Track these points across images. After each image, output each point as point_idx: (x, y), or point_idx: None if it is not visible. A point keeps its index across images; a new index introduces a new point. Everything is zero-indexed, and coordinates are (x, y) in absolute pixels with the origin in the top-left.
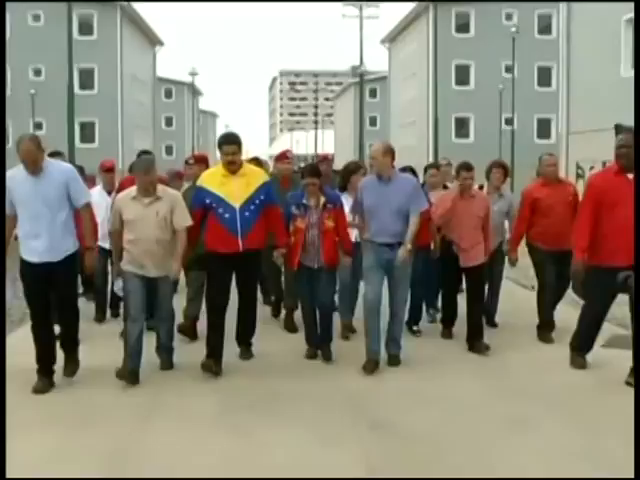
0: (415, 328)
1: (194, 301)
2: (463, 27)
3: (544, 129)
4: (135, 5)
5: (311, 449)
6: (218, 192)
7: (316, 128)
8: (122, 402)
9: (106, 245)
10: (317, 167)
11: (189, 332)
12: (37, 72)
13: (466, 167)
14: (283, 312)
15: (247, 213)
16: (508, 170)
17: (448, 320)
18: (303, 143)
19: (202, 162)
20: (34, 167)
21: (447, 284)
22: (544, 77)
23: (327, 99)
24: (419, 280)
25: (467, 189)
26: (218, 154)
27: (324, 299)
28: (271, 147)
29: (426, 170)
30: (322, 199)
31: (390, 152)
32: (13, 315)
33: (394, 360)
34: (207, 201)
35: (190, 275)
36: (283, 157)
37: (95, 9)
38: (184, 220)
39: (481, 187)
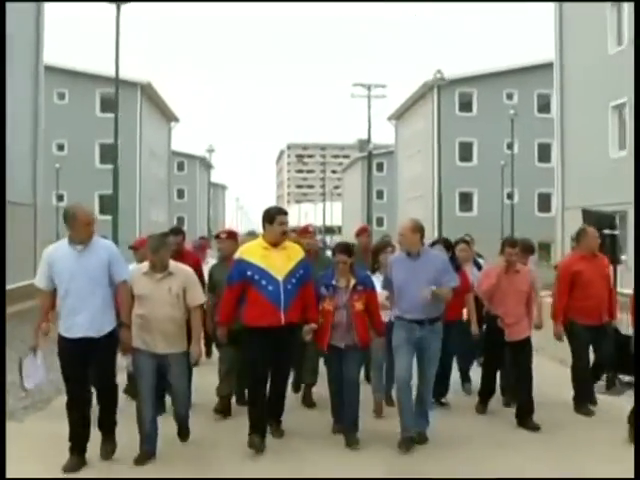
0: (443, 400)
1: (227, 378)
2: (466, 106)
3: (545, 203)
4: (154, 84)
5: None
6: (261, 264)
7: (324, 200)
8: None
9: None
10: (349, 245)
11: (225, 410)
12: (60, 147)
13: (511, 243)
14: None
15: (289, 286)
16: (530, 250)
17: (486, 394)
18: (311, 215)
19: (233, 238)
20: (88, 240)
21: (490, 358)
22: (544, 153)
23: (334, 171)
24: (450, 353)
25: (512, 265)
26: (226, 226)
27: (350, 374)
28: None
29: (456, 244)
30: (352, 280)
31: (419, 229)
32: (42, 394)
33: (421, 437)
34: (248, 273)
35: (223, 351)
36: (305, 231)
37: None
38: (198, 298)
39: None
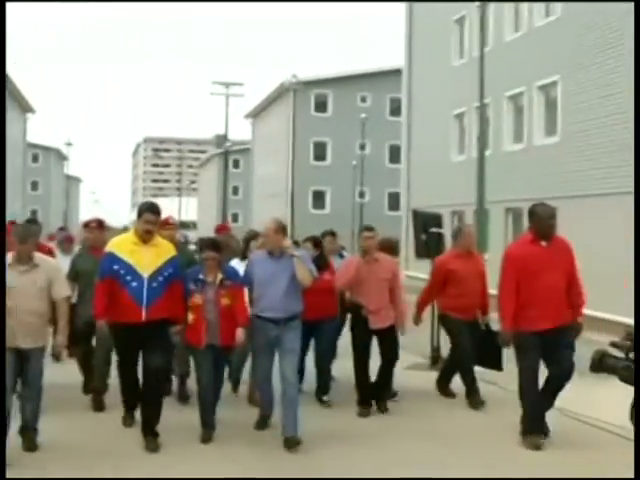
0: (325, 399)
1: (102, 374)
2: (321, 107)
3: (395, 202)
4: (11, 74)
5: None
6: (128, 259)
7: (180, 195)
8: None
9: None
10: (217, 241)
11: (98, 406)
12: None
13: (367, 227)
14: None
15: (155, 284)
16: (395, 250)
17: (365, 390)
18: (166, 210)
19: (102, 227)
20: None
21: (358, 351)
22: (395, 155)
23: (190, 166)
24: (328, 350)
25: (370, 251)
26: (79, 219)
27: (220, 376)
28: (133, 213)
29: (323, 237)
30: (219, 275)
31: (282, 229)
32: None
33: (293, 442)
34: (115, 267)
35: (95, 345)
36: (166, 223)
37: None
38: (64, 290)
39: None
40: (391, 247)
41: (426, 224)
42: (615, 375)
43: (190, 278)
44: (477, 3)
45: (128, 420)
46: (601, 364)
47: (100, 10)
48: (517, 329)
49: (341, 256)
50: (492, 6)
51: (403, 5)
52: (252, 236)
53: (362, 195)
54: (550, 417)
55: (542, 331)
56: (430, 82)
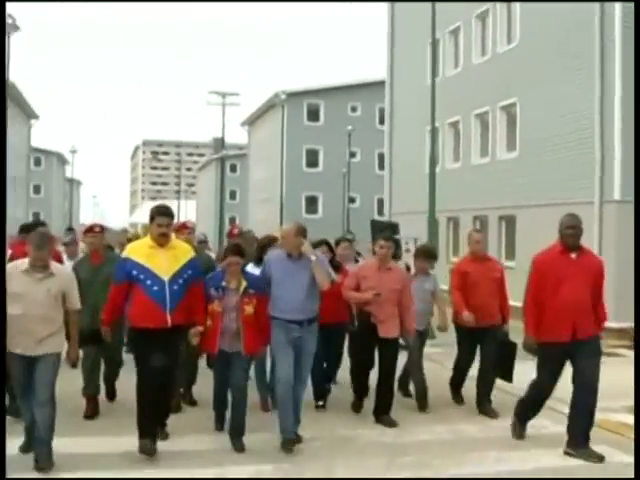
0: (320, 403)
1: (92, 377)
2: (314, 116)
3: (383, 208)
4: (16, 82)
5: None
6: (146, 264)
7: (178, 198)
8: None
9: None
10: (240, 246)
11: (95, 413)
12: None
13: (386, 237)
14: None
15: (175, 287)
16: (433, 258)
17: (361, 392)
18: None
19: (103, 232)
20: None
21: (361, 356)
22: (383, 162)
23: (189, 169)
24: (336, 355)
25: (383, 258)
26: (81, 221)
27: (237, 380)
28: (132, 215)
29: (337, 243)
30: (243, 282)
31: (302, 233)
32: None
33: (296, 439)
34: (134, 273)
35: (85, 350)
36: (183, 227)
37: None
38: (76, 303)
39: (408, 268)
40: (428, 253)
41: (382, 231)
42: None
43: (211, 284)
44: (449, 28)
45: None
46: None
47: (101, 14)
48: (539, 339)
49: (357, 262)
50: (462, 32)
51: (386, 23)
52: (269, 242)
53: (352, 200)
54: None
55: (564, 342)
56: (408, 97)
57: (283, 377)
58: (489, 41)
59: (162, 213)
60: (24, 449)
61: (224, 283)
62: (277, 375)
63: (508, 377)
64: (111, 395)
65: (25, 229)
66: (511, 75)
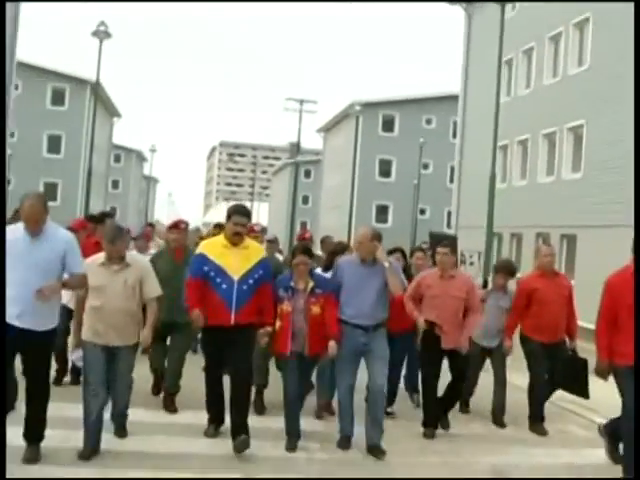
0: (389, 410)
1: (158, 370)
2: (389, 127)
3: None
4: (102, 81)
5: None
6: (218, 262)
7: (252, 200)
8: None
9: (70, 305)
10: (309, 246)
11: (170, 406)
12: (11, 134)
13: (443, 244)
14: None
15: (245, 287)
16: (512, 273)
17: (430, 407)
18: None
19: (187, 229)
20: (34, 228)
21: (428, 369)
22: None
23: (264, 172)
24: (397, 363)
25: (443, 266)
26: (155, 217)
27: (306, 384)
28: (206, 215)
29: (412, 253)
30: (310, 283)
31: (377, 238)
32: None
33: (377, 451)
34: (205, 269)
35: (153, 348)
36: (251, 231)
37: (68, 83)
38: (155, 290)
39: (485, 285)
40: (508, 268)
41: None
42: None
43: (280, 285)
44: (523, 48)
45: (210, 431)
46: None
47: (185, 18)
48: (612, 362)
49: None
50: (535, 53)
51: (462, 38)
52: (341, 249)
53: (422, 212)
54: None
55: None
56: (480, 113)
57: (343, 385)
58: (560, 63)
59: (240, 212)
60: (85, 455)
61: (292, 283)
62: (338, 383)
63: (584, 393)
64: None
65: (92, 218)
66: (580, 97)
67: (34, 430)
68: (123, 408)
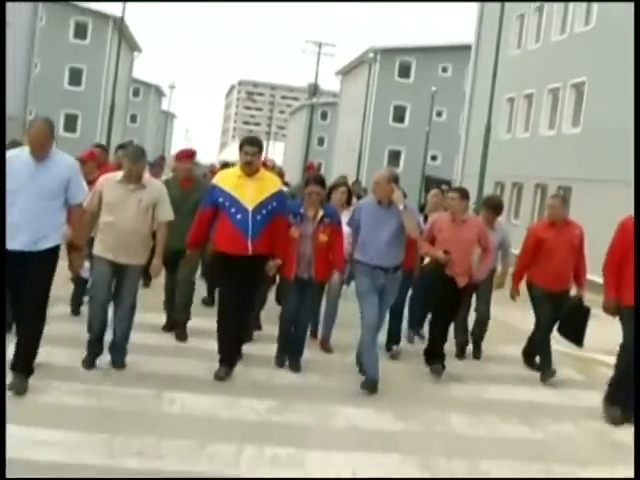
0: (395, 348)
1: (169, 300)
2: (404, 72)
3: None
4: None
5: None
6: (233, 192)
7: (268, 139)
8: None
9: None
10: (322, 177)
11: (181, 335)
12: (35, 66)
13: (455, 188)
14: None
15: (259, 217)
16: (497, 209)
17: (438, 351)
18: None
19: (194, 157)
20: (41, 153)
21: (438, 307)
22: None
23: (282, 112)
24: (401, 302)
25: (453, 210)
26: (172, 152)
27: (306, 310)
28: (221, 153)
29: (428, 190)
30: (320, 212)
31: (394, 180)
32: None
33: (372, 386)
34: (220, 200)
35: (166, 275)
36: (263, 165)
37: (91, 17)
38: (168, 214)
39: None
40: (491, 204)
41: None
42: None
43: (290, 211)
44: (535, 4)
45: (220, 373)
46: None
47: None
48: (620, 301)
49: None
50: (545, 10)
51: None
52: (336, 185)
53: (434, 158)
54: None
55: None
56: (491, 64)
57: (370, 324)
58: (569, 20)
59: (250, 142)
60: (88, 364)
61: (302, 210)
62: (363, 322)
63: (579, 341)
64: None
65: (121, 146)
66: (584, 55)
67: (25, 357)
68: (123, 339)
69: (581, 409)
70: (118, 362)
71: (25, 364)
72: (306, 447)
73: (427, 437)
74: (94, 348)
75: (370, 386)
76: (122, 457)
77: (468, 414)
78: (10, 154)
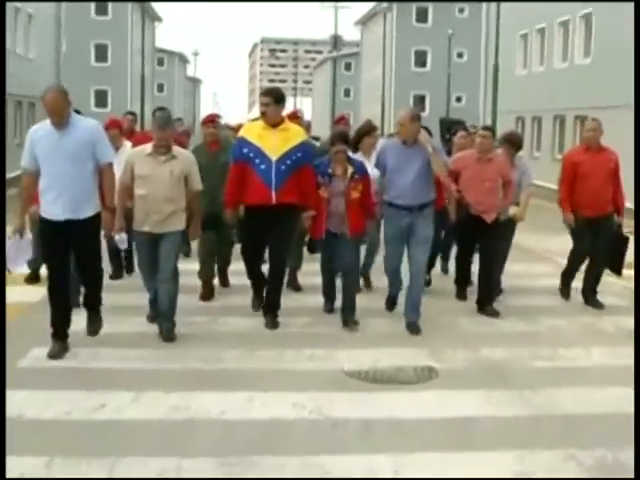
0: (427, 277)
1: (208, 261)
2: (422, 17)
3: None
4: None
5: None
6: (257, 143)
7: (295, 95)
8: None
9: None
10: (346, 133)
11: (208, 296)
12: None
13: (484, 127)
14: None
15: (283, 167)
16: (518, 146)
17: (463, 281)
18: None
19: (216, 121)
20: (59, 119)
21: (463, 245)
22: None
23: (306, 66)
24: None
25: (482, 147)
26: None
27: (349, 260)
28: (250, 112)
29: (456, 132)
30: (350, 168)
31: (417, 118)
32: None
33: (414, 328)
34: (245, 151)
35: (203, 235)
36: (294, 116)
37: None
38: (198, 184)
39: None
40: (509, 139)
41: (450, 128)
42: None
43: (318, 171)
44: None
45: (255, 303)
46: None
47: None
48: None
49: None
50: None
51: None
52: (367, 130)
53: (459, 100)
54: None
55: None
56: (504, 3)
57: (391, 267)
58: None
59: (263, 92)
60: (151, 318)
61: (330, 170)
62: (385, 265)
63: (617, 270)
64: (224, 281)
65: (160, 109)
66: None
67: (94, 315)
68: (168, 307)
69: (622, 331)
70: (167, 332)
71: (95, 299)
72: (337, 348)
73: (436, 335)
74: (154, 307)
75: (388, 303)
76: (190, 363)
77: (476, 317)
78: (32, 129)
